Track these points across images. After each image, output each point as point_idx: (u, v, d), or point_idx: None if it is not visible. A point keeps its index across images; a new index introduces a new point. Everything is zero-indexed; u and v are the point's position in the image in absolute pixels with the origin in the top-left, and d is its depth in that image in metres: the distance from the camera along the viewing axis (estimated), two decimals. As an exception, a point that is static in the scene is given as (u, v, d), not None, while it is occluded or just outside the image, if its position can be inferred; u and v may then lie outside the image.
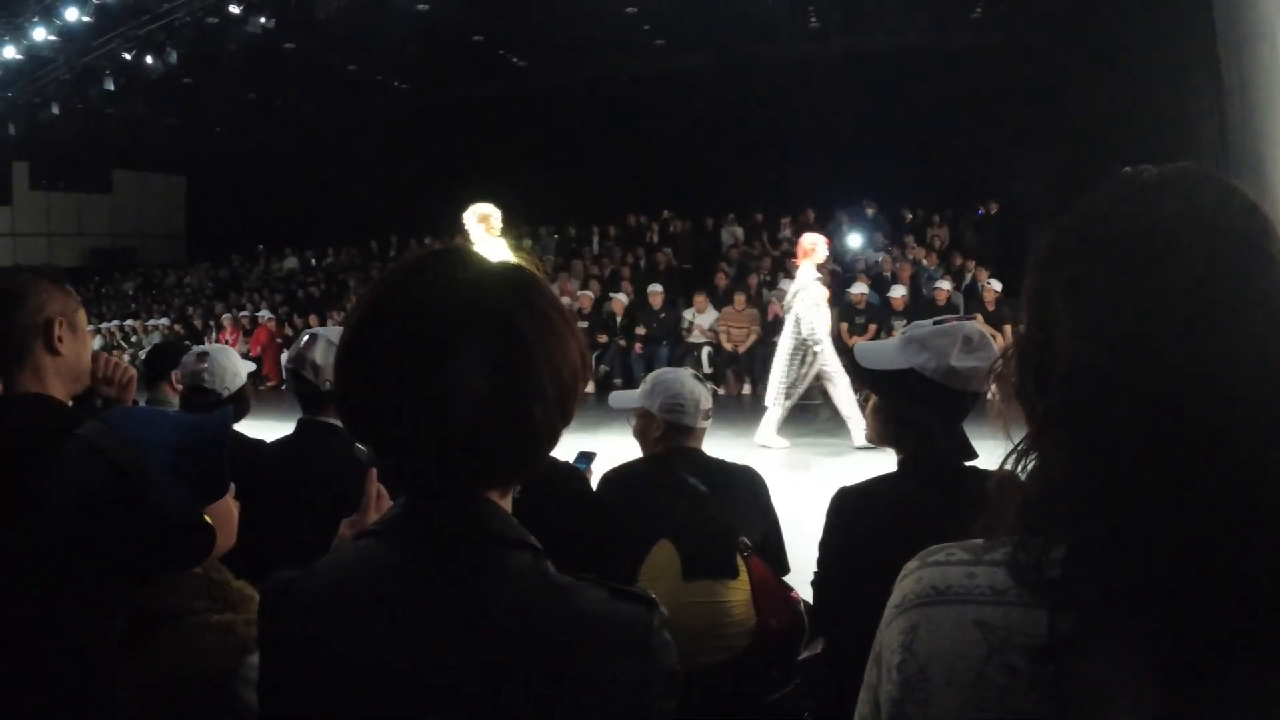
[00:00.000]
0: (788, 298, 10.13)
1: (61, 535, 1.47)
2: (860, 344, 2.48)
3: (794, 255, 16.24)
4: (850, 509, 2.35)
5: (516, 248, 12.23)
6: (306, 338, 3.13)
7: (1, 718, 2.12)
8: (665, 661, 1.09)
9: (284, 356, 16.79)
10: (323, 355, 3.03)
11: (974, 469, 2.25)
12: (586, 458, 3.41)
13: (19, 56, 17.94)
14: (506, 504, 1.17)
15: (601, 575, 1.14)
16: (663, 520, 3.03)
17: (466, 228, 8.89)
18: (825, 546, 2.42)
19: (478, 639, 1.05)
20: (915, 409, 2.28)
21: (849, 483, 2.40)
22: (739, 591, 3.01)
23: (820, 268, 10.30)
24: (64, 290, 2.37)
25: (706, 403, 3.29)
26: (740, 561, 3.02)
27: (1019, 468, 0.91)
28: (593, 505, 3.13)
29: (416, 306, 1.09)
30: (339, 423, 2.98)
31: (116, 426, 1.50)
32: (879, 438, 2.42)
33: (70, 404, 2.38)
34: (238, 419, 3.24)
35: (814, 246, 9.96)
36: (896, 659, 0.93)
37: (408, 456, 1.11)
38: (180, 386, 3.89)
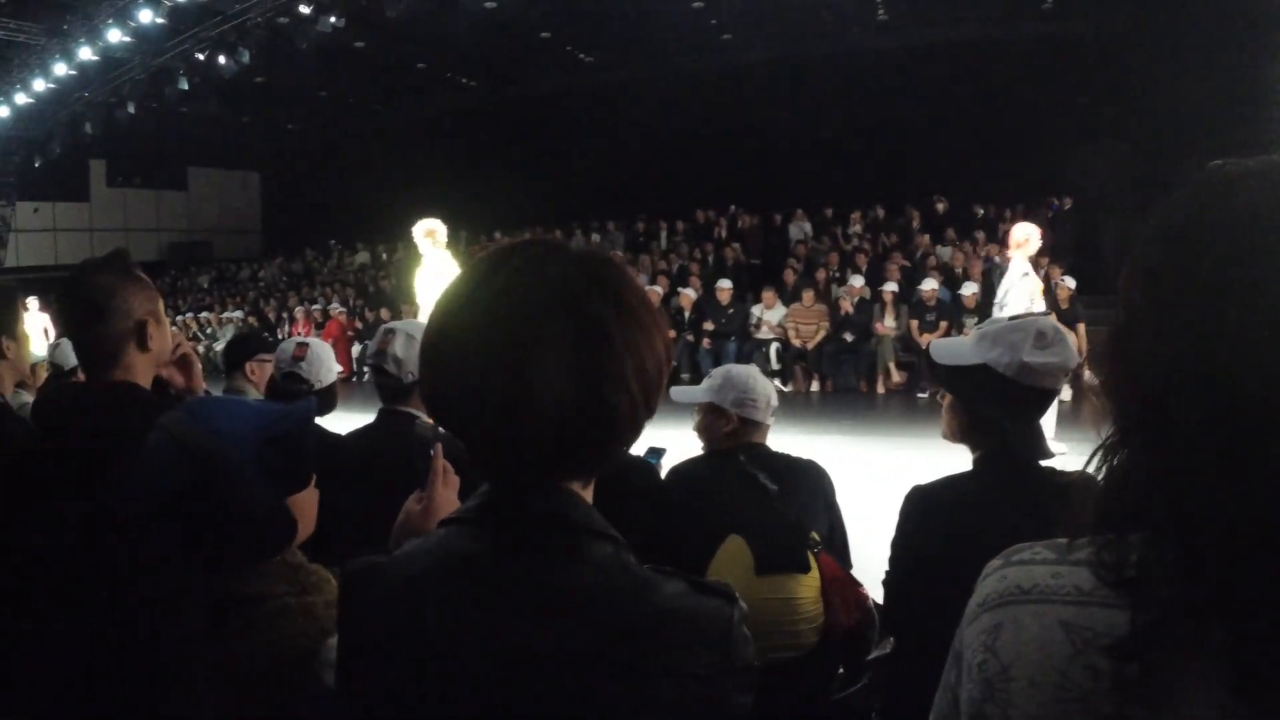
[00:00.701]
0: (999, 294, 9.40)
1: (144, 525, 1.49)
2: (936, 340, 2.45)
3: (863, 251, 16.17)
4: (923, 508, 2.32)
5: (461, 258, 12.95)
6: (386, 332, 3.17)
7: (83, 705, 2.18)
8: (744, 656, 1.09)
9: (355, 349, 17.05)
10: (403, 348, 3.07)
11: (1050, 469, 2.21)
12: (656, 453, 3.41)
13: (95, 58, 18.36)
14: (588, 495, 1.17)
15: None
16: (732, 515, 3.03)
17: (415, 241, 9.69)
18: (897, 545, 2.40)
19: (559, 627, 1.06)
20: (988, 406, 2.25)
21: (922, 481, 2.38)
22: (809, 587, 3.00)
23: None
24: (142, 283, 2.38)
25: (775, 399, 3.31)
26: (811, 557, 3.02)
27: (1104, 465, 0.90)
28: (663, 500, 3.14)
29: (501, 297, 1.08)
30: (418, 412, 3.05)
31: (199, 417, 1.50)
32: (953, 435, 2.38)
33: (151, 388, 2.41)
34: (323, 413, 3.29)
35: (1027, 238, 9.15)
36: (978, 658, 0.92)
37: (492, 446, 1.11)
38: (256, 376, 3.97)
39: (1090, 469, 0.91)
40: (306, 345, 3.78)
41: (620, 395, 1.09)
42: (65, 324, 2.37)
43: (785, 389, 13.48)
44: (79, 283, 2.31)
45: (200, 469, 1.45)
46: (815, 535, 3.06)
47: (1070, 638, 0.85)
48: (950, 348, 2.38)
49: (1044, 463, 2.22)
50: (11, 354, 2.94)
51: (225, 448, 1.47)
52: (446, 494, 1.56)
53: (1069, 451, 2.35)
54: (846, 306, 14.04)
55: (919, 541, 2.31)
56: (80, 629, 2.16)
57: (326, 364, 3.79)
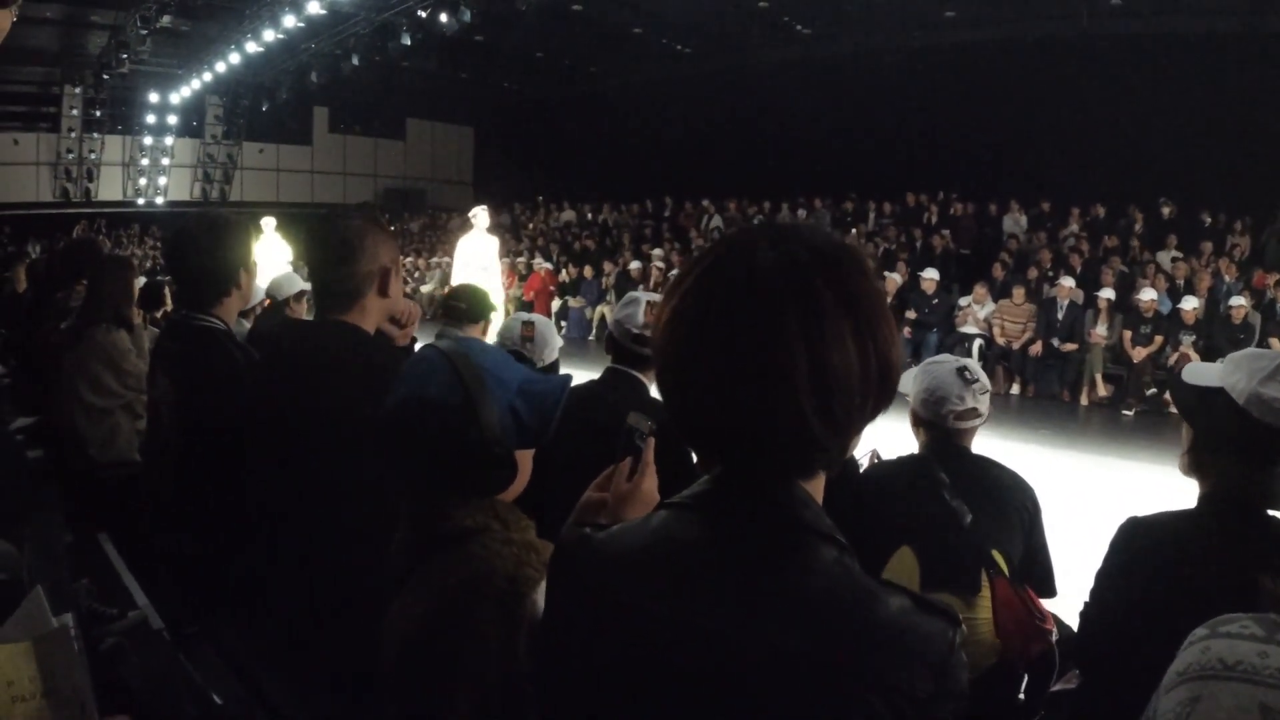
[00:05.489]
0: None
1: (392, 428, 1.58)
2: (1191, 364, 2.25)
3: (1079, 251, 15.31)
4: (1135, 543, 2.15)
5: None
6: (636, 299, 3.26)
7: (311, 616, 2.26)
8: (959, 682, 1.05)
9: (556, 304, 17.39)
10: (645, 316, 3.18)
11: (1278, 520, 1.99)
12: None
13: (322, 11, 19.65)
14: (817, 494, 1.14)
15: None
16: (908, 526, 2.88)
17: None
18: (1102, 577, 2.23)
19: (776, 628, 1.02)
20: (1218, 437, 2.06)
21: (1143, 512, 2.19)
22: (982, 609, 2.83)
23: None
24: (389, 233, 2.49)
25: (963, 403, 2.97)
26: (985, 577, 2.82)
27: None
28: (854, 502, 2.97)
29: (751, 280, 1.04)
30: (645, 379, 3.15)
31: (472, 351, 1.61)
32: (1184, 467, 2.19)
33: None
34: None
35: None
36: None
37: (727, 433, 1.08)
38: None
39: None
40: (533, 324, 3.87)
41: (867, 393, 1.06)
42: (312, 260, 2.46)
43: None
44: (331, 222, 2.43)
45: (460, 391, 1.54)
46: (998, 556, 2.85)
47: None
48: (1200, 369, 2.20)
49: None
50: (244, 285, 3.08)
51: (488, 381, 1.56)
52: (650, 489, 1.56)
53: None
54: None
55: (1127, 577, 2.15)
56: (308, 548, 2.26)
57: (551, 343, 3.89)
